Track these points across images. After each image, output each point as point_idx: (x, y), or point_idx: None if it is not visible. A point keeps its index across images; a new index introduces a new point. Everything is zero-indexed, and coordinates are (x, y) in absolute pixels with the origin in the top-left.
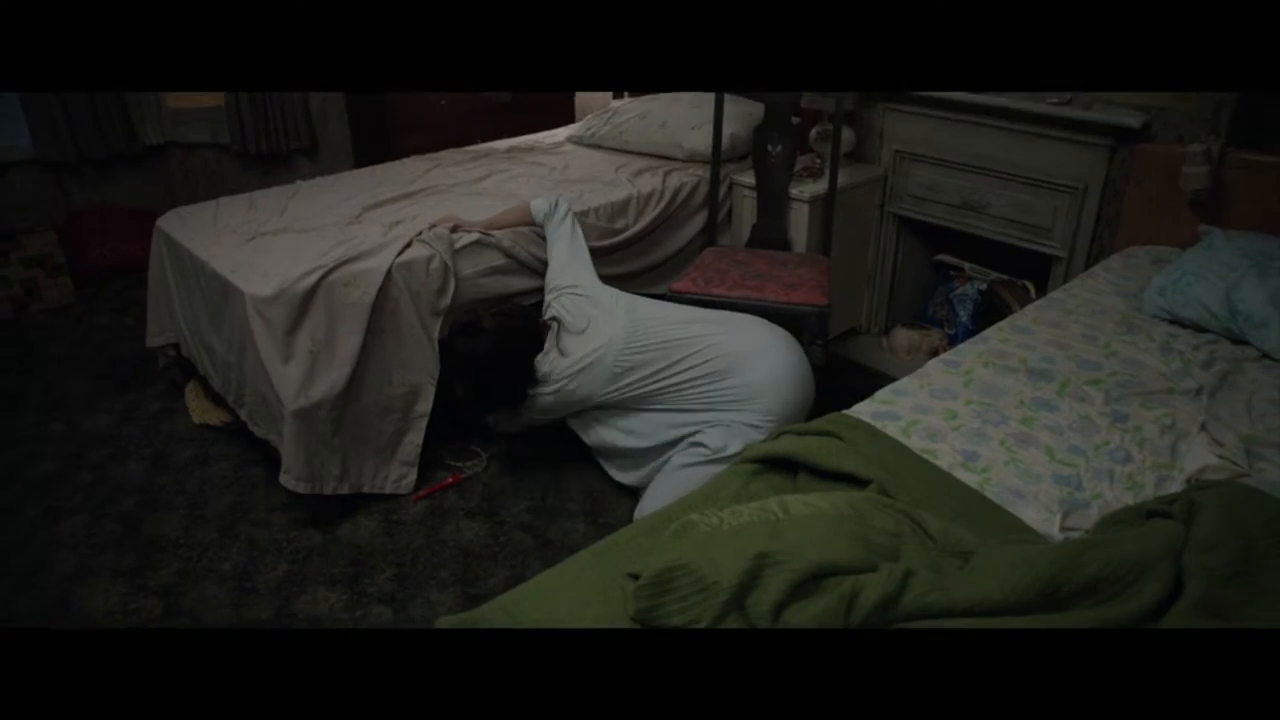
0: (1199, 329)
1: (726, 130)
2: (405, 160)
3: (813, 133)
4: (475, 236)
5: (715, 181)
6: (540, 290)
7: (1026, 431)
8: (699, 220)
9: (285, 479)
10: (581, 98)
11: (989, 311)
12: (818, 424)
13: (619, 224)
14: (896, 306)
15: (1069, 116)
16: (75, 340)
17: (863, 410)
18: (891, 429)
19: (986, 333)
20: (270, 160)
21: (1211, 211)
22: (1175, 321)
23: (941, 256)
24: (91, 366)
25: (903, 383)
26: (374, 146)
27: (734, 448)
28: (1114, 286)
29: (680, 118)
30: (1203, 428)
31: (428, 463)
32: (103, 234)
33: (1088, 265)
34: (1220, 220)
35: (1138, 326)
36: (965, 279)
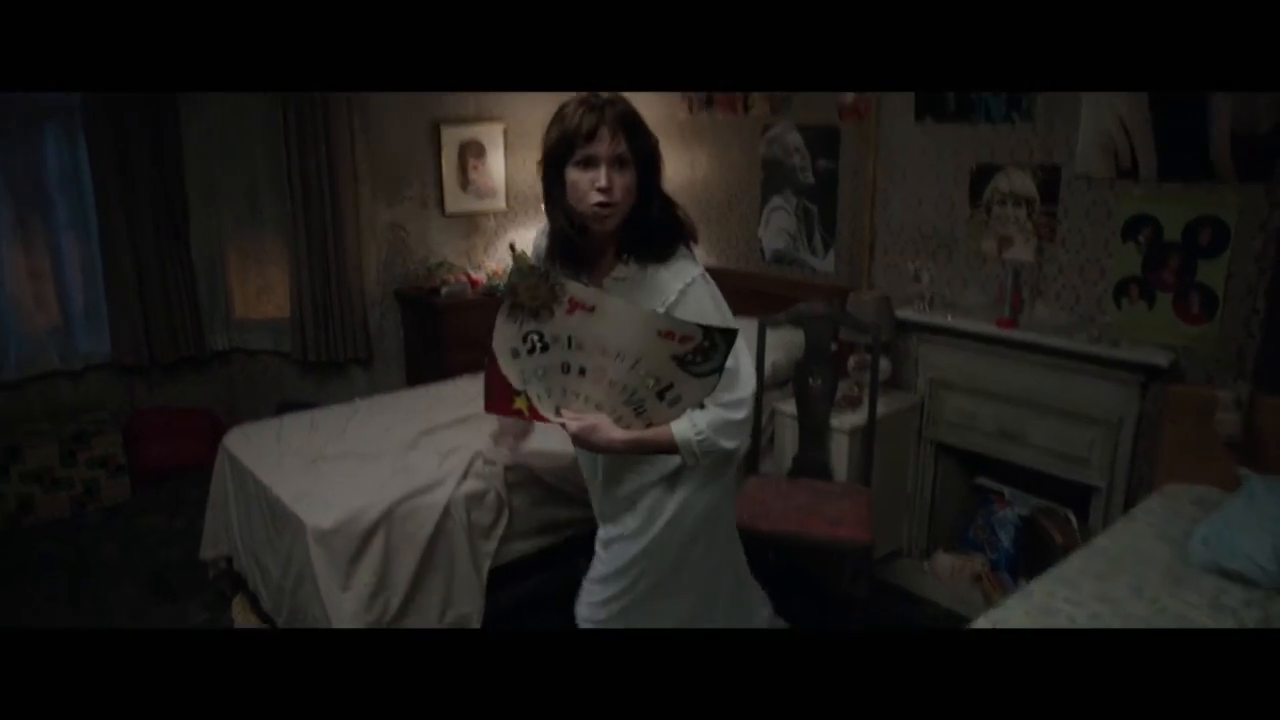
0: (1247, 582)
1: (768, 359)
2: (457, 380)
3: (850, 362)
4: (526, 472)
5: (758, 412)
6: (583, 521)
7: None
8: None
9: None
10: None
11: (1031, 538)
12: None
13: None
14: (937, 529)
15: (1097, 353)
16: (128, 542)
17: None
18: None
19: (1030, 586)
20: (327, 368)
21: (1248, 454)
22: (1222, 573)
23: (980, 480)
24: (142, 571)
25: None
26: (426, 360)
27: None
28: (1156, 530)
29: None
30: None
31: None
32: (162, 432)
33: (1127, 497)
34: (1257, 462)
35: (1184, 579)
36: (1005, 503)
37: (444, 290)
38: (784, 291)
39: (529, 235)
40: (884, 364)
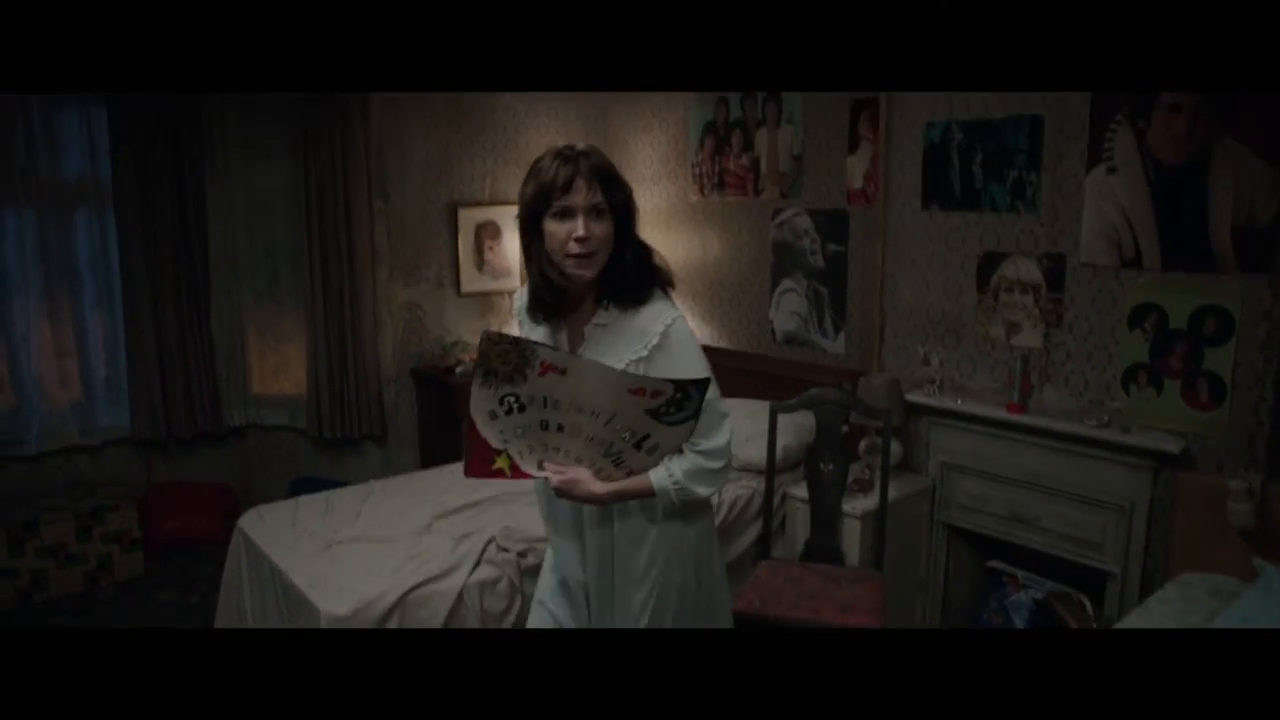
0: None
1: (779, 442)
2: None
3: (861, 445)
4: (539, 558)
5: (769, 496)
6: None
7: None
8: (753, 531)
9: None
10: None
11: (1045, 623)
12: None
13: None
14: (950, 612)
15: (1107, 439)
16: (140, 618)
17: None
18: None
19: None
20: (342, 445)
21: (1261, 543)
22: None
23: (993, 563)
24: None
25: None
26: (440, 438)
27: None
28: (1171, 622)
29: (734, 428)
30: None
31: None
32: (177, 508)
33: (1142, 583)
34: (1271, 552)
35: None
36: (1018, 586)
37: (458, 369)
38: (795, 373)
39: None
40: (896, 447)
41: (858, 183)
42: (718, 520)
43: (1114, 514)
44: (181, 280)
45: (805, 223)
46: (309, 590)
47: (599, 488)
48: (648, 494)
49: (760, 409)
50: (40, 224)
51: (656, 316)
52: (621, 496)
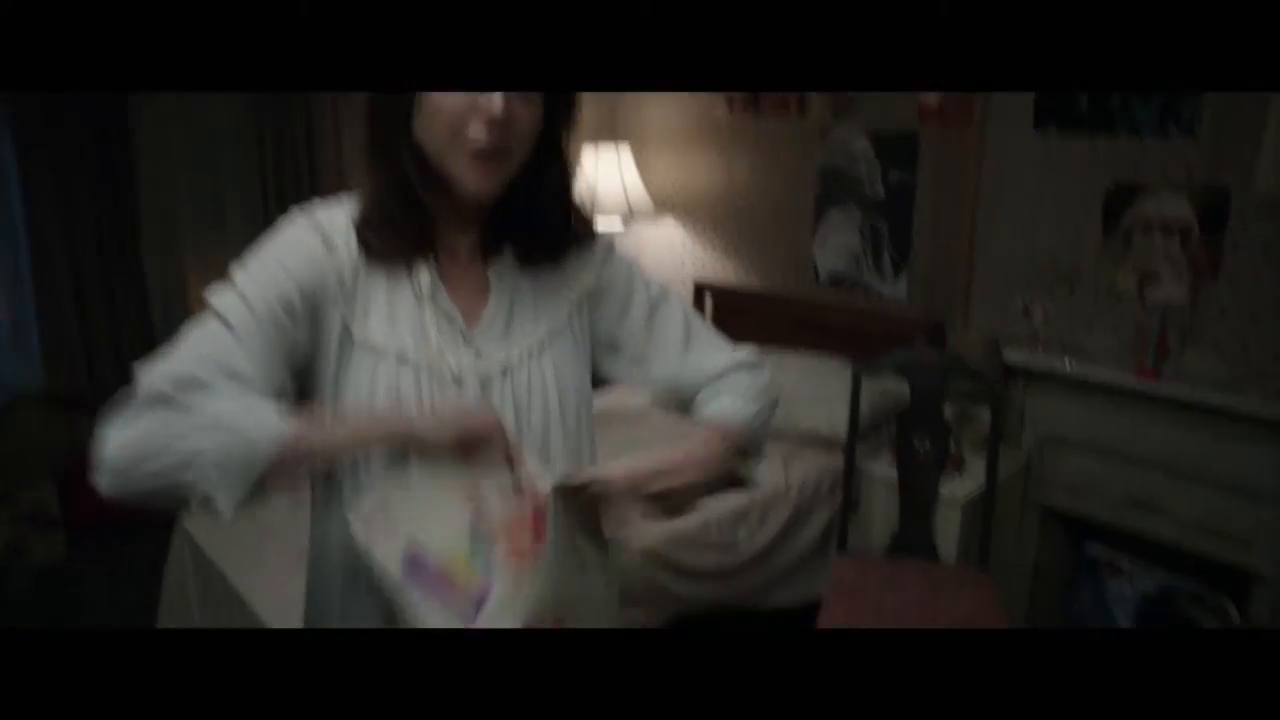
0: None
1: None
2: None
3: (945, 414)
4: None
5: (849, 478)
6: None
7: None
8: (820, 519)
9: None
10: None
11: (1164, 623)
12: None
13: (739, 535)
14: (1038, 605)
15: (1270, 418)
16: (62, 617)
17: None
18: None
19: None
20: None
21: None
22: None
23: (1090, 548)
24: None
25: None
26: None
27: None
28: None
29: (792, 388)
30: None
31: None
32: None
33: None
34: None
35: None
36: (1118, 574)
37: None
38: (845, 321)
39: None
40: (985, 417)
41: (932, 99)
42: (785, 513)
43: (1273, 507)
44: (102, 208)
45: (863, 146)
46: (280, 624)
47: None
48: None
49: (821, 367)
50: None
51: (585, 255)
52: None
